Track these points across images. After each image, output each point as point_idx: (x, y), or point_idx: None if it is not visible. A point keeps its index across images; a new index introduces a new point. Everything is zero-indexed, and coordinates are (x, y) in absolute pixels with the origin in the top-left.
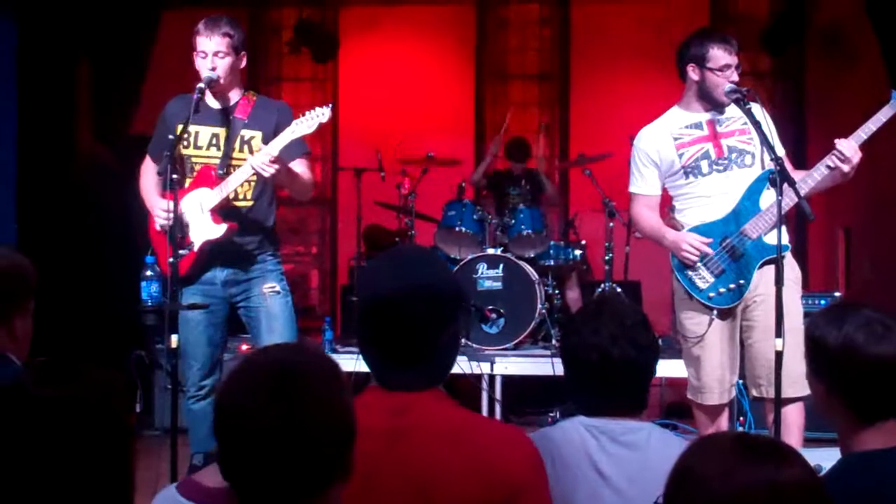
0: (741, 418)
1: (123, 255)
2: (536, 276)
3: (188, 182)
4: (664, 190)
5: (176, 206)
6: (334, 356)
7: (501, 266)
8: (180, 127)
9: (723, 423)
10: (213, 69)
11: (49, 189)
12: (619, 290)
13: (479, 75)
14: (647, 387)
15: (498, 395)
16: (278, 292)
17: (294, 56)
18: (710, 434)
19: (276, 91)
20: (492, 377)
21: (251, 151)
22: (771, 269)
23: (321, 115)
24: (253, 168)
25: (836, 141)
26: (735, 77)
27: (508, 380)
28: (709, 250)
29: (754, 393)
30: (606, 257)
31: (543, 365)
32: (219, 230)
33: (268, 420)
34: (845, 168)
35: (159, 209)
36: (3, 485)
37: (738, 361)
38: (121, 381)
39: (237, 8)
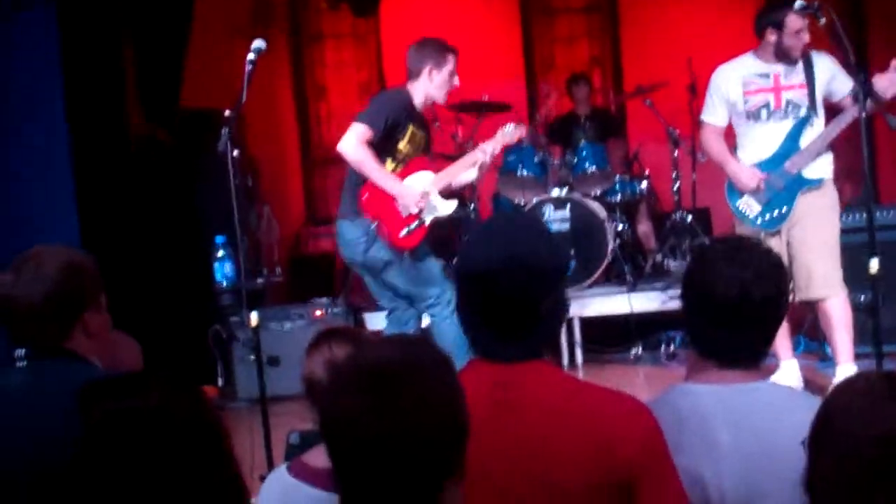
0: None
1: (190, 234)
2: (605, 214)
3: (401, 168)
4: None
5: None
6: None
7: (568, 207)
8: (412, 127)
9: (784, 329)
10: (454, 86)
11: (107, 176)
12: (689, 217)
13: (524, 13)
14: (775, 335)
15: (577, 338)
16: None
17: (334, 12)
18: (856, 375)
19: (319, 49)
20: (569, 320)
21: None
22: (812, 194)
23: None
24: (477, 161)
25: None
26: (806, 38)
27: (586, 321)
28: (761, 184)
29: (798, 296)
30: (674, 187)
31: (621, 303)
32: (451, 206)
33: (376, 427)
34: (886, 95)
35: (409, 195)
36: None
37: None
38: (187, 383)
39: None
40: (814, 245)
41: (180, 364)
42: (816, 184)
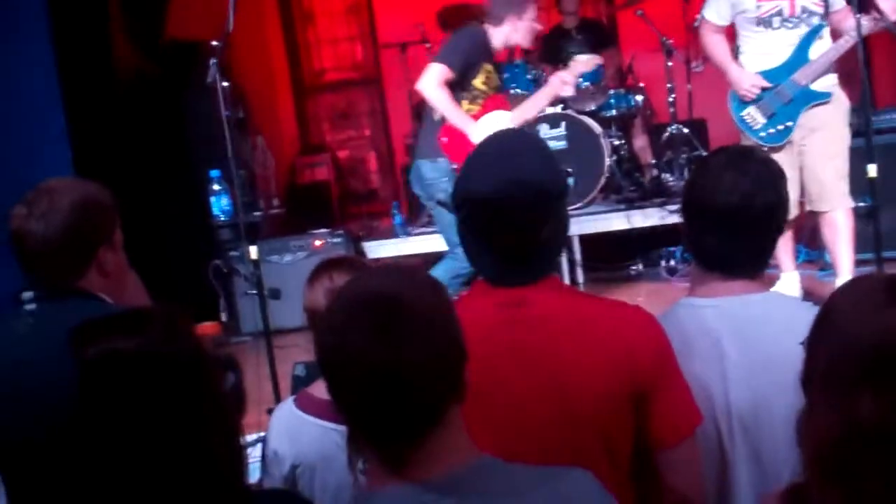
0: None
1: (182, 169)
2: (600, 129)
3: (477, 107)
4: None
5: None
6: (408, 239)
7: (563, 124)
8: (486, 66)
9: (788, 241)
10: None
11: (97, 109)
12: (686, 130)
13: None
14: (776, 243)
15: (577, 256)
16: None
17: None
18: (860, 276)
19: None
20: (568, 239)
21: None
22: (826, 107)
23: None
24: (554, 94)
25: None
26: None
27: (585, 239)
28: (765, 89)
29: (808, 207)
30: (669, 98)
31: (619, 220)
32: None
33: (374, 358)
34: (892, 16)
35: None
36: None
37: (799, 184)
38: (177, 312)
39: None
40: (826, 157)
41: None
42: (825, 98)
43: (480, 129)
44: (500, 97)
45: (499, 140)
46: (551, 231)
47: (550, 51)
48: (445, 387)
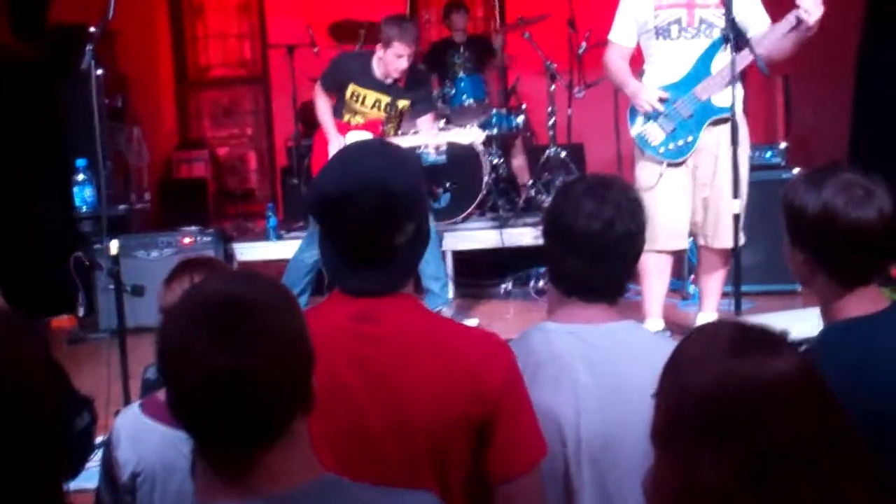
0: (693, 276)
1: (53, 156)
2: (481, 147)
3: (357, 122)
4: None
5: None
6: (279, 243)
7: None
8: (352, 86)
9: (667, 272)
10: (398, 70)
11: None
12: (563, 153)
13: None
14: (633, 270)
15: (449, 270)
16: None
17: None
18: (705, 324)
19: None
20: (441, 253)
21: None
22: (724, 128)
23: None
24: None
25: None
26: None
27: (459, 255)
28: (660, 107)
29: (700, 241)
30: (550, 122)
31: (493, 237)
32: None
33: (214, 363)
34: (810, 20)
35: (337, 142)
36: None
37: (690, 212)
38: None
39: None
40: (723, 190)
41: (42, 292)
42: (725, 112)
43: (343, 140)
44: (376, 122)
45: (354, 146)
46: (406, 239)
47: (436, 61)
48: (290, 397)
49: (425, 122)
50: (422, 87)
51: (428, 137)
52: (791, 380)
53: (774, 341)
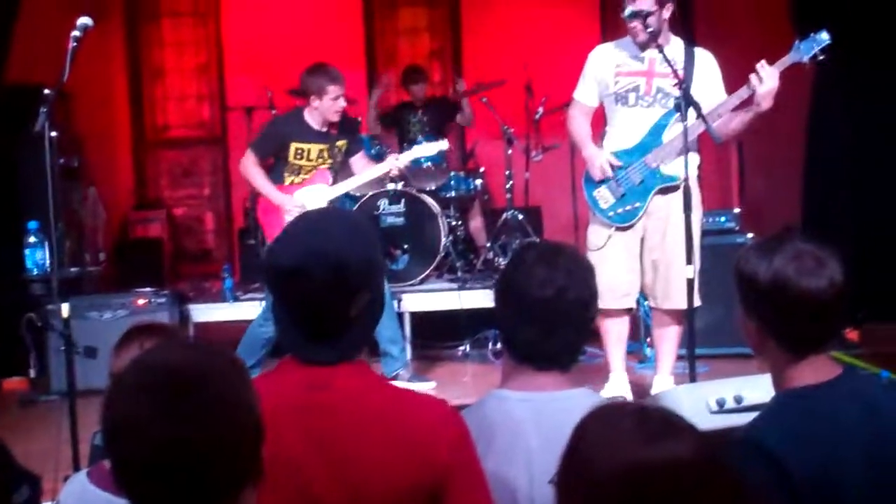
0: (649, 338)
1: (6, 217)
2: (439, 209)
3: (302, 179)
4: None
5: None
6: (235, 304)
7: (403, 201)
8: (293, 144)
9: (623, 330)
10: (338, 112)
11: None
12: (520, 216)
13: (366, 4)
14: (587, 337)
15: (407, 332)
16: None
17: None
18: (606, 405)
19: (157, 28)
20: (399, 315)
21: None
22: (675, 194)
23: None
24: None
25: (759, 64)
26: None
27: (417, 316)
28: (610, 173)
29: (651, 303)
30: (507, 185)
31: (450, 299)
32: None
33: (159, 433)
34: (761, 90)
35: (290, 202)
36: None
37: (639, 274)
38: None
39: None
40: (673, 252)
41: None
42: (674, 181)
43: (293, 199)
44: (324, 171)
45: (309, 215)
46: (360, 308)
47: (394, 120)
48: (238, 469)
49: (357, 161)
50: (350, 126)
51: (389, 164)
52: (696, 466)
53: (678, 427)
